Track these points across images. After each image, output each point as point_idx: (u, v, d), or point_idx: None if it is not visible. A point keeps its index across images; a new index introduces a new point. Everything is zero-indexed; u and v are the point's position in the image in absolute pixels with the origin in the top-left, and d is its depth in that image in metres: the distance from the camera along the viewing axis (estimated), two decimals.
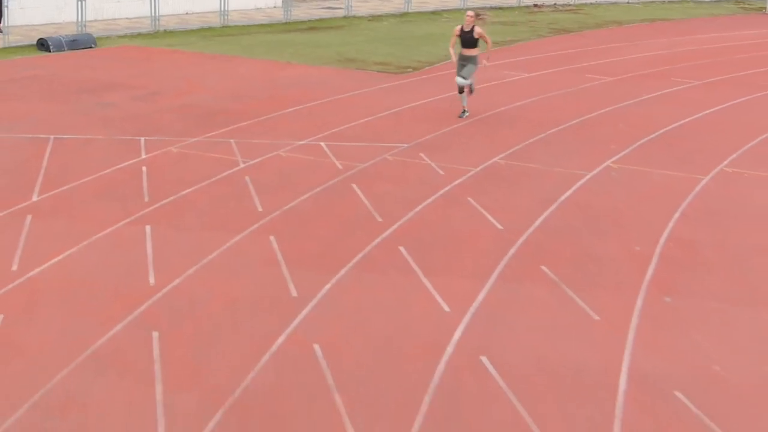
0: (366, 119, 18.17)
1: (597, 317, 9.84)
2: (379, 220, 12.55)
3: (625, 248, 11.86)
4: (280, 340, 9.10)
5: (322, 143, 16.31)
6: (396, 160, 15.46)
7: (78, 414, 7.71)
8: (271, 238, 11.75)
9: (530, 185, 14.33)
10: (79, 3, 27.74)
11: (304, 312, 9.72)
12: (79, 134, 16.44)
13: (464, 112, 18.36)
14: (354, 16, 35.50)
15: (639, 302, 10.28)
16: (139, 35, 28.90)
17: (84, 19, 28.09)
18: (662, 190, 14.30)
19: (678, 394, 8.34)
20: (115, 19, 31.47)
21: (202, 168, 14.55)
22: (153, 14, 29.76)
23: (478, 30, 17.62)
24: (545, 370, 8.68)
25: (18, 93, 19.76)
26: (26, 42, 26.37)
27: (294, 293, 10.16)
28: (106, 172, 14.27)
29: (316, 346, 8.98)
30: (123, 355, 8.69)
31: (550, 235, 12.24)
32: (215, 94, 20.29)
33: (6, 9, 26.65)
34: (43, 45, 25.73)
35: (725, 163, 15.95)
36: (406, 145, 16.39)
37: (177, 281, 10.35)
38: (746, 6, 47.46)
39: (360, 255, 11.32)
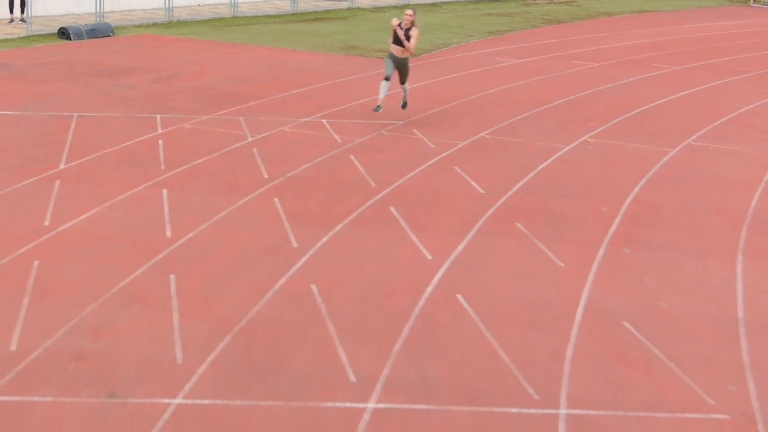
0: (365, 100, 19.14)
1: (562, 264, 10.87)
2: (373, 185, 13.56)
3: (594, 209, 12.88)
4: (282, 281, 10.13)
5: (324, 120, 17.31)
6: (391, 135, 16.47)
7: (107, 338, 8.74)
8: (276, 199, 12.77)
9: (512, 156, 15.34)
10: None
11: (303, 259, 10.75)
12: (100, 112, 17.43)
13: (379, 107, 16.65)
14: (357, 8, 36.46)
15: (601, 252, 11.30)
16: (154, 25, 29.88)
17: (102, 10, 29.11)
18: (632, 160, 15.32)
19: (626, 324, 9.37)
20: (131, 10, 32.48)
21: (213, 141, 15.57)
22: (167, 5, 30.77)
23: (415, 31, 16.32)
24: (512, 305, 9.72)
25: (43, 76, 20.78)
26: (48, 31, 27.35)
27: (295, 244, 11.19)
28: (126, 144, 15.27)
29: (313, 286, 10.01)
30: (144, 293, 9.72)
31: (526, 197, 13.27)
32: (225, 77, 21.27)
33: (28, 0, 27.68)
34: (63, 33, 26.70)
35: (693, 138, 16.96)
36: (400, 122, 17.40)
37: (191, 234, 11.38)
38: None
39: (354, 213, 12.34)
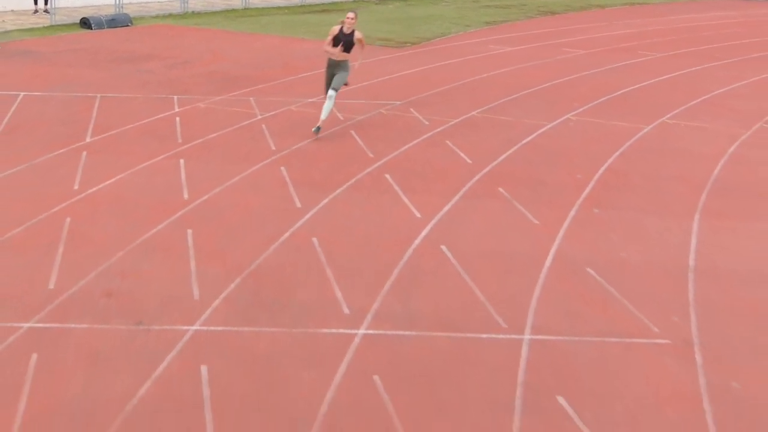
0: (367, 83, 20.15)
1: (537, 222, 11.88)
2: (371, 155, 14.57)
3: (570, 176, 13.87)
4: (286, 234, 11.15)
5: None
6: (389, 114, 17.47)
7: (133, 279, 9.77)
8: (282, 168, 13.79)
9: (499, 132, 16.34)
10: None
11: (306, 217, 11.77)
12: (121, 93, 18.45)
13: (318, 129, 15.49)
14: (363, 0, 37.42)
15: (572, 212, 12.30)
16: (170, 15, 30.89)
17: (121, 1, 30.15)
18: (609, 135, 16.31)
19: (589, 270, 10.38)
20: (148, 2, 33.53)
21: (226, 118, 16.59)
22: None
23: (358, 34, 15.30)
24: (489, 254, 10.73)
25: (67, 62, 21.81)
26: (70, 21, 28.40)
27: (299, 205, 12.21)
28: (145, 121, 16.30)
29: (314, 239, 11.03)
30: (165, 244, 10.74)
31: (509, 166, 14.27)
32: (237, 63, 22.29)
33: None
34: (85, 23, 27.74)
35: (667, 116, 17.94)
36: (398, 102, 18.40)
37: (206, 196, 12.39)
38: None
39: (353, 180, 13.36)
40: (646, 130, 16.68)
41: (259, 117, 16.73)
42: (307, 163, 14.06)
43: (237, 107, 17.43)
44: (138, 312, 8.92)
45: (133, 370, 7.85)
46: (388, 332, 8.69)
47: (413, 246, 10.86)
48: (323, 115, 15.32)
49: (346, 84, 15.72)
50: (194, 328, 8.63)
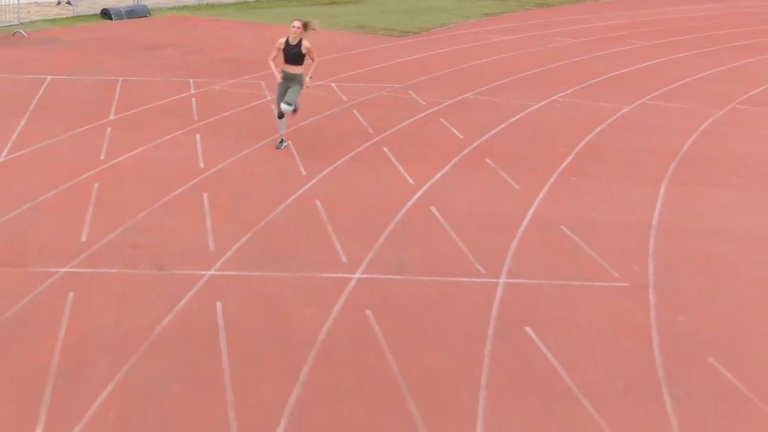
0: (369, 68, 21.06)
1: (518, 187, 12.80)
2: (371, 131, 15.50)
3: (552, 150, 14.78)
4: (292, 198, 12.08)
5: (333, 84, 19.24)
6: (389, 95, 18.39)
7: (156, 233, 10.72)
8: (289, 142, 14.71)
9: (490, 111, 17.25)
10: None
11: (310, 183, 12.70)
12: (141, 77, 19.39)
13: (282, 141, 14.37)
14: None
15: (551, 180, 13.22)
16: (185, 7, 31.81)
17: None
18: (591, 114, 17.21)
19: (562, 227, 11.31)
20: None
21: (238, 99, 17.53)
22: None
23: (306, 44, 13.73)
24: (474, 214, 11.66)
25: (90, 49, 22.75)
26: (91, 12, 29.32)
27: (304, 173, 13.14)
28: (164, 101, 17.23)
29: (317, 201, 11.97)
30: (184, 205, 11.68)
31: (497, 141, 15.18)
32: (249, 50, 23.21)
33: None
34: (105, 14, 28.67)
35: (647, 98, 18.83)
36: (398, 85, 19.32)
37: (220, 165, 13.32)
38: None
39: (353, 152, 14.29)
40: (626, 110, 17.57)
41: (269, 98, 17.64)
42: (313, 138, 14.98)
43: (248, 89, 18.34)
44: (160, 260, 9.86)
45: (157, 306, 8.80)
46: (381, 276, 9.63)
47: (406, 207, 11.78)
48: (281, 131, 14.31)
49: (294, 111, 14.25)
50: (210, 272, 9.57)
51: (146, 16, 29.22)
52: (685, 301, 9.38)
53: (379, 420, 7.06)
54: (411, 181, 12.81)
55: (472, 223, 11.29)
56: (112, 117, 15.81)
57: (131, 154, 13.69)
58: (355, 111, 16.81)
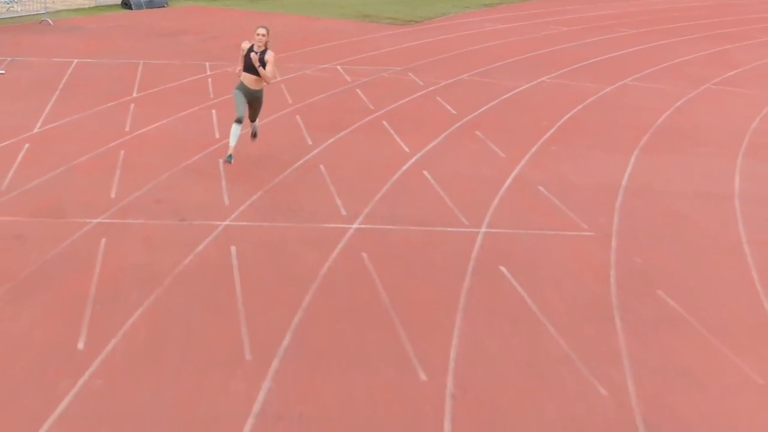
0: (372, 53, 22.03)
1: (503, 155, 13.79)
2: (372, 108, 16.49)
3: (536, 124, 15.76)
4: (299, 162, 13.08)
5: (338, 66, 20.23)
6: (390, 77, 19.38)
7: (177, 191, 11.73)
8: (297, 116, 15.71)
9: (482, 91, 18.23)
10: None
11: (315, 151, 13.70)
12: (160, 60, 20.39)
13: (230, 156, 12.45)
14: None
15: (534, 148, 14.21)
16: None
17: None
18: (575, 93, 18.18)
19: (540, 187, 12.30)
20: None
21: None
22: None
23: (269, 55, 12.17)
24: (461, 177, 12.65)
25: (112, 36, 23.76)
26: (112, 2, 30.32)
27: (310, 142, 14.14)
28: (182, 81, 18.24)
29: (321, 166, 12.97)
30: (202, 169, 12.67)
31: (487, 116, 16.17)
32: None
33: None
34: (126, 4, 29.65)
35: (628, 79, 19.78)
36: (399, 68, 20.30)
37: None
38: None
39: (355, 125, 15.28)
40: (607, 90, 18.53)
41: (279, 78, 18.62)
42: (318, 112, 15.98)
43: None
44: (181, 212, 10.88)
45: (179, 249, 9.83)
46: (376, 226, 10.65)
47: (401, 171, 12.78)
48: (232, 142, 12.40)
49: (254, 136, 13.16)
50: (225, 223, 10.60)
51: (164, 6, 30.20)
52: (642, 246, 10.38)
53: (369, 337, 8.09)
54: (406, 149, 13.80)
55: (459, 184, 12.28)
56: (134, 95, 16.80)
57: (153, 126, 14.67)
58: (358, 90, 17.79)
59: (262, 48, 12.15)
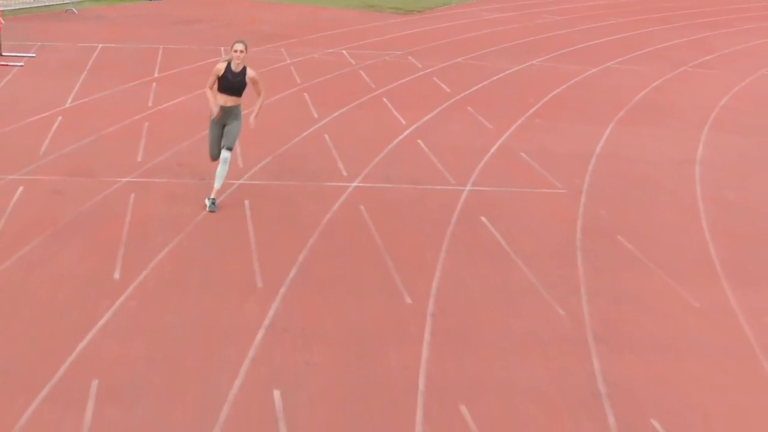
0: (375, 39, 23.07)
1: (491, 126, 14.85)
2: (373, 86, 17.55)
3: (523, 100, 16.80)
4: (305, 133, 14.16)
5: (344, 51, 21.29)
6: (391, 60, 20.43)
7: (197, 156, 12.79)
8: (305, 94, 16.78)
9: (476, 72, 19.27)
10: None
11: (321, 123, 14.77)
12: (178, 45, 21.45)
13: (213, 203, 10.70)
14: None
15: (519, 121, 15.26)
16: None
17: None
18: (561, 75, 19.21)
19: (522, 154, 13.36)
20: None
21: (262, 62, 19.54)
22: None
23: (251, 73, 10.67)
24: (452, 146, 13.70)
25: (133, 23, 24.84)
26: None
27: (315, 115, 15.21)
28: (198, 64, 19.31)
29: (326, 135, 14.05)
30: None
31: (478, 94, 17.21)
32: (271, 25, 25.24)
33: None
34: None
35: (612, 62, 20.80)
36: (400, 52, 21.35)
37: (245, 111, 15.39)
38: None
39: (357, 101, 16.35)
40: (591, 71, 19.57)
41: (288, 61, 19.70)
42: (324, 91, 17.04)
43: (271, 54, 20.40)
44: (201, 173, 11.95)
45: (199, 203, 10.90)
46: (373, 185, 11.73)
47: (397, 140, 13.85)
48: (217, 183, 10.70)
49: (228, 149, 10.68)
50: (240, 181, 11.68)
51: None
52: (609, 202, 11.45)
53: (363, 271, 9.18)
54: (403, 122, 14.86)
55: (449, 151, 13.35)
56: (156, 75, 17.88)
57: (173, 102, 15.74)
58: (361, 72, 18.84)
59: (241, 66, 10.46)
